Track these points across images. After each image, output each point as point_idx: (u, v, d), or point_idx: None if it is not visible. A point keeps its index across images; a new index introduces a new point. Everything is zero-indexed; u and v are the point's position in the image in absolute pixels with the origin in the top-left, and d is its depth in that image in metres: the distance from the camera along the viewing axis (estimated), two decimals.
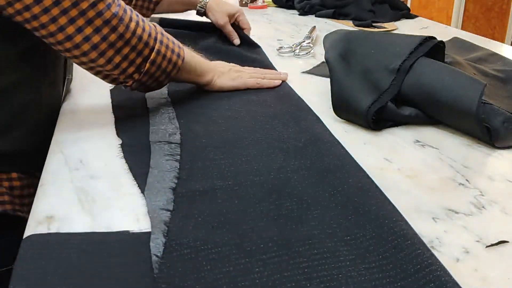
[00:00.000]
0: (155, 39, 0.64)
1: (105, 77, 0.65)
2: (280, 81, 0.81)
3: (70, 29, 0.57)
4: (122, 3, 0.62)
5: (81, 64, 0.62)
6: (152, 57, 0.63)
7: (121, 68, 0.62)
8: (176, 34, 1.04)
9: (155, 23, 0.67)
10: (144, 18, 0.65)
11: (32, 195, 0.63)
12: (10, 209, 0.66)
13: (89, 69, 0.63)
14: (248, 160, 0.56)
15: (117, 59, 0.61)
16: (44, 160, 0.58)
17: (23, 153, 0.68)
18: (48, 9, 0.55)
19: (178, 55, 0.67)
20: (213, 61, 0.80)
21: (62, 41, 0.58)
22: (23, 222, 0.55)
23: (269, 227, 0.44)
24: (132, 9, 0.64)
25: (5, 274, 0.47)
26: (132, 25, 0.61)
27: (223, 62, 0.82)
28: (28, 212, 0.57)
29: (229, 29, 1.06)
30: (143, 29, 0.63)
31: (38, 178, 0.55)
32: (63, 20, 0.56)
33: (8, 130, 0.66)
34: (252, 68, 0.84)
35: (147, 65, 0.63)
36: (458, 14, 2.79)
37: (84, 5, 0.56)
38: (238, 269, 0.39)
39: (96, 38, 0.58)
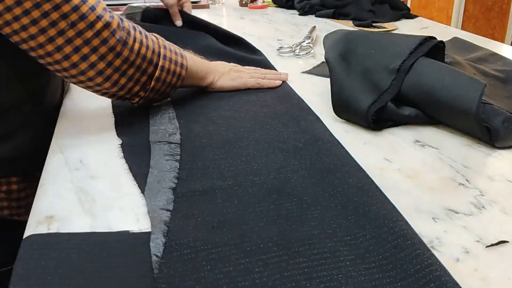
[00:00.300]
0: (159, 55, 0.64)
1: (111, 97, 0.65)
2: (281, 82, 0.81)
3: (75, 57, 0.57)
4: (126, 24, 0.61)
5: (87, 88, 0.62)
6: (156, 74, 0.64)
7: (126, 89, 0.63)
8: (176, 32, 1.04)
9: (156, 35, 0.67)
10: (147, 33, 0.65)
11: (30, 195, 0.67)
12: (7, 214, 0.68)
13: (95, 91, 0.63)
14: (248, 160, 0.56)
15: (123, 81, 0.62)
16: (44, 160, 0.58)
17: (23, 157, 0.68)
18: (53, 38, 0.55)
19: (182, 66, 0.68)
20: (213, 62, 0.79)
21: (68, 68, 0.58)
22: (20, 224, 0.56)
23: (269, 227, 0.44)
24: (136, 26, 0.63)
25: (5, 274, 0.47)
26: (136, 46, 0.61)
27: (224, 63, 0.82)
28: (26, 214, 0.61)
29: (175, 10, 1.06)
30: (147, 47, 0.63)
31: (37, 177, 0.55)
32: (68, 49, 0.56)
33: (10, 137, 0.67)
34: (252, 68, 0.84)
35: (153, 82, 0.64)
36: (458, 14, 2.79)
37: (89, 34, 0.57)
38: (238, 269, 0.39)
39: (101, 65, 0.59)
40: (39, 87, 0.71)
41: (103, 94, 0.64)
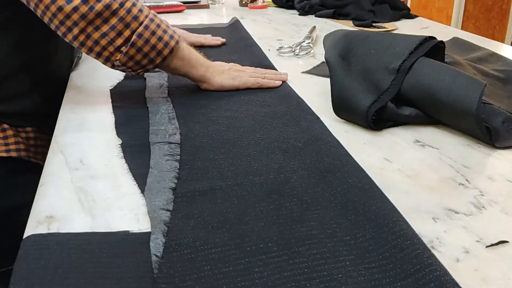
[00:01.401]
0: (146, 16, 0.67)
1: (97, 55, 0.67)
2: (280, 82, 0.81)
3: (61, 1, 0.62)
4: None
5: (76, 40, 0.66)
6: (139, 30, 0.66)
7: (108, 38, 0.65)
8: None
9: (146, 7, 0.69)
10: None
11: (45, 147, 0.79)
12: (25, 155, 0.78)
13: (83, 46, 0.66)
14: (248, 160, 0.56)
15: (105, 28, 0.64)
16: (53, 122, 0.67)
17: (38, 114, 0.80)
18: None
19: (171, 37, 0.69)
20: (213, 62, 0.80)
21: (56, 13, 0.63)
22: (35, 166, 0.79)
23: (269, 227, 0.44)
24: None
25: (5, 274, 0.47)
26: None
27: (223, 62, 0.82)
28: (42, 160, 0.78)
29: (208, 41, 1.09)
30: (133, 4, 0.66)
31: (49, 135, 0.65)
32: None
33: (30, 95, 0.79)
34: (252, 68, 0.84)
35: (134, 37, 0.65)
36: (458, 14, 2.79)
37: None
38: (238, 269, 0.39)
39: (83, 8, 0.63)
40: (47, 53, 0.81)
41: (89, 51, 0.67)
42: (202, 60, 0.76)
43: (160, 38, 0.68)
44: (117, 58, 0.67)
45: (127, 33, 0.65)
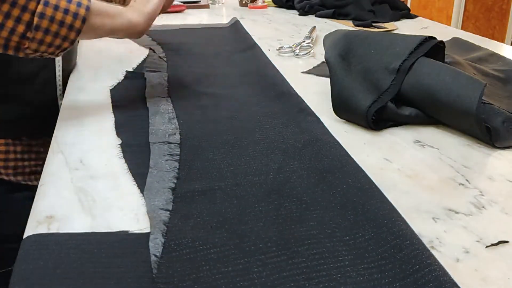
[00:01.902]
0: None
1: (3, 48, 0.60)
2: None
3: None
4: None
5: None
6: (39, 9, 0.58)
7: (7, 28, 0.58)
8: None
9: None
10: None
11: (18, 159, 0.76)
12: None
13: None
14: (247, 160, 0.56)
15: None
16: (34, 127, 0.66)
17: (12, 122, 0.76)
18: None
19: (79, 4, 0.61)
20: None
21: None
22: (5, 184, 0.76)
23: (268, 227, 0.44)
24: None
25: (5, 275, 0.47)
26: None
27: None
28: (13, 175, 0.75)
29: None
30: None
31: (25, 142, 0.62)
32: None
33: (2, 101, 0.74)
34: None
35: (36, 19, 0.58)
36: (458, 14, 2.79)
37: None
38: (237, 269, 0.39)
39: None
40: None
41: None
42: (118, 7, 0.68)
43: (66, 11, 0.59)
44: (26, 46, 0.59)
45: (26, 16, 0.57)
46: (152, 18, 0.70)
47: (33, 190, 0.51)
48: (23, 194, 0.77)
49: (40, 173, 0.55)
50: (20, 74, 0.76)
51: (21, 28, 0.58)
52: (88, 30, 0.62)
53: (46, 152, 0.59)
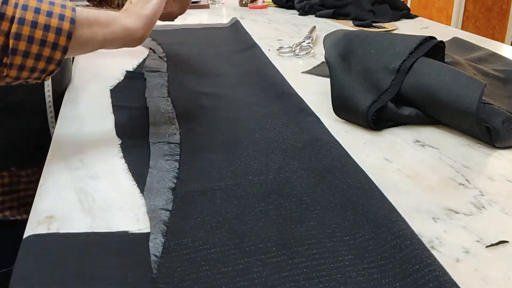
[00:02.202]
0: (15, 5, 0.48)
1: None
2: None
3: None
4: None
5: None
6: (14, 29, 0.47)
7: None
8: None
9: None
10: None
11: (5, 193, 0.68)
12: None
13: None
14: (247, 160, 0.56)
15: None
16: (23, 156, 0.60)
17: None
18: None
19: (61, 17, 0.50)
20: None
21: None
22: None
23: (268, 227, 0.44)
24: None
25: (4, 275, 0.47)
26: None
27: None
28: (0, 210, 0.65)
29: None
30: None
31: (13, 173, 0.56)
32: None
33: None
34: None
35: (11, 41, 0.48)
36: (458, 14, 2.79)
37: None
38: (237, 269, 0.39)
39: None
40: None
41: None
42: (110, 13, 0.58)
43: (46, 27, 0.49)
44: (4, 74, 0.50)
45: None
46: (152, 21, 0.59)
47: (22, 226, 0.45)
48: (11, 233, 0.64)
49: (30, 204, 0.49)
50: (4, 102, 0.68)
51: None
52: (77, 45, 0.52)
53: (36, 182, 0.52)
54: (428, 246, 0.41)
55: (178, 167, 0.54)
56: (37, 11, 0.49)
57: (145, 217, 0.46)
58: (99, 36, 0.54)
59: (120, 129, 0.64)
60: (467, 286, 0.38)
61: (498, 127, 0.61)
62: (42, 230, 0.44)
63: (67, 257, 0.40)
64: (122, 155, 0.58)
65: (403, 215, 0.45)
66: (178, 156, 0.57)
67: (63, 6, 0.51)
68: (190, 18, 1.43)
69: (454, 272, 0.38)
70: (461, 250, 0.42)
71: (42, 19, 0.49)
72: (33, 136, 0.73)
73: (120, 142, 0.61)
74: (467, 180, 0.54)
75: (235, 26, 1.25)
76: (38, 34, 0.49)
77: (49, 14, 0.49)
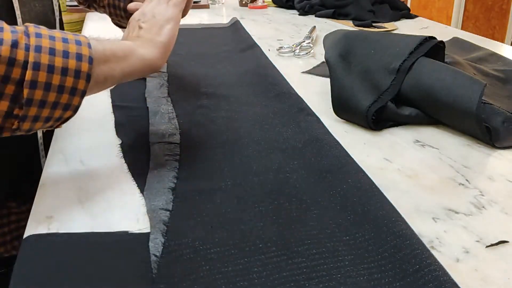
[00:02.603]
0: (26, 47, 0.41)
1: None
2: None
3: None
4: None
5: None
6: (29, 76, 0.41)
7: None
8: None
9: (28, 24, 0.44)
10: (5, 25, 0.42)
11: None
12: None
13: None
14: (247, 160, 0.56)
15: None
16: (13, 186, 0.56)
17: None
18: None
19: (79, 57, 0.44)
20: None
21: None
22: None
23: (268, 227, 0.44)
24: None
25: (4, 274, 0.47)
26: None
27: (129, 22, 0.59)
28: None
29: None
30: None
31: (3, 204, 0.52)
32: None
33: None
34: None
35: (26, 90, 0.41)
36: (458, 14, 2.79)
37: None
38: (237, 269, 0.39)
39: None
40: None
41: None
42: (123, 42, 0.53)
43: (64, 71, 0.43)
44: (15, 127, 0.43)
45: (9, 89, 0.41)
46: (169, 49, 0.55)
47: (12, 261, 0.41)
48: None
49: (20, 238, 0.44)
50: None
51: (4, 106, 0.41)
52: (95, 85, 0.47)
53: (28, 211, 0.47)
54: (428, 246, 0.41)
55: (178, 167, 0.54)
56: (52, 52, 0.43)
57: (145, 217, 0.46)
58: (117, 71, 0.49)
59: (120, 129, 0.64)
60: (467, 286, 0.38)
61: (498, 127, 0.61)
62: (42, 230, 0.44)
63: (67, 257, 0.40)
64: (122, 155, 0.58)
65: (403, 215, 0.45)
66: (178, 156, 0.57)
67: (78, 43, 0.45)
68: (190, 18, 1.43)
69: (454, 272, 0.38)
70: (461, 250, 0.42)
71: (58, 61, 0.43)
72: (23, 165, 0.67)
73: (120, 142, 0.61)
74: (467, 180, 0.54)
75: (235, 26, 1.25)
76: (56, 79, 0.43)
77: (65, 54, 0.43)
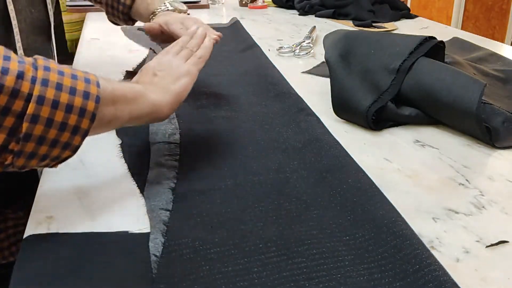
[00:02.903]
0: (33, 80, 0.40)
1: None
2: (213, 40, 0.62)
3: None
4: None
5: None
6: (31, 110, 0.39)
7: None
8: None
9: (37, 56, 0.43)
10: (13, 55, 0.41)
11: None
12: None
13: None
14: (247, 160, 0.56)
15: None
16: (9, 194, 0.55)
17: None
18: None
19: (86, 95, 0.42)
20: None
21: None
22: None
23: (268, 227, 0.44)
24: None
25: (4, 274, 0.46)
26: None
27: (142, 69, 0.57)
28: None
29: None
30: (3, 70, 0.38)
31: None
32: None
33: None
34: (173, 45, 0.61)
35: (25, 124, 0.39)
36: (458, 14, 2.79)
37: None
38: (237, 269, 0.39)
39: None
40: None
41: None
42: (134, 85, 0.52)
43: (69, 108, 0.41)
44: (8, 162, 0.41)
45: (8, 121, 0.39)
46: (180, 99, 0.54)
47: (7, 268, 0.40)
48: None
49: (18, 243, 0.43)
50: None
51: (0, 138, 0.39)
52: (98, 125, 0.45)
53: (25, 219, 0.46)
54: (428, 246, 0.41)
55: (178, 167, 0.54)
56: (59, 87, 0.41)
57: (145, 217, 0.46)
58: (125, 114, 0.47)
59: (120, 129, 0.64)
60: (467, 286, 0.38)
61: (498, 127, 0.61)
62: (42, 230, 0.44)
63: (67, 257, 0.40)
64: (122, 155, 0.58)
65: (403, 215, 0.45)
66: (178, 156, 0.57)
67: (87, 81, 0.43)
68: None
69: (454, 272, 0.38)
70: (461, 250, 0.42)
71: (64, 97, 0.41)
72: (19, 175, 0.65)
73: (120, 142, 0.61)
74: (467, 180, 0.54)
75: (235, 26, 1.25)
76: (59, 116, 0.41)
77: (73, 91, 0.42)
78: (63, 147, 0.43)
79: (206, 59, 0.60)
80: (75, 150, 0.44)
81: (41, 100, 0.39)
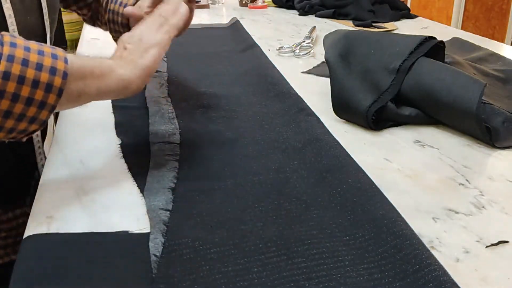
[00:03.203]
0: None
1: None
2: (185, 10, 0.58)
3: None
4: None
5: None
6: None
7: None
8: None
9: (4, 33, 0.43)
10: None
11: None
12: None
13: None
14: (247, 160, 0.56)
15: None
16: (7, 196, 0.55)
17: None
18: None
19: (53, 71, 0.43)
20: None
21: None
22: None
23: (268, 227, 0.44)
24: None
25: (4, 274, 0.46)
26: None
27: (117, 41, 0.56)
28: None
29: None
30: None
31: None
32: None
33: None
34: (150, 15, 0.59)
35: None
36: (458, 14, 2.79)
37: None
38: (237, 269, 0.39)
39: None
40: None
41: None
42: (104, 61, 0.51)
43: (35, 83, 0.42)
44: None
45: None
46: (149, 73, 0.53)
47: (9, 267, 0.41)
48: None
49: (14, 245, 0.43)
50: None
51: None
52: (66, 101, 0.45)
53: (23, 220, 0.47)
54: (428, 246, 0.41)
55: (178, 167, 0.54)
56: (24, 63, 0.41)
57: (145, 217, 0.46)
58: (92, 89, 0.48)
59: (120, 129, 0.64)
60: (467, 286, 0.38)
61: (498, 127, 0.61)
62: (42, 230, 0.44)
63: (67, 257, 0.40)
64: (122, 155, 0.58)
65: (403, 215, 0.45)
66: (178, 156, 0.57)
67: (54, 57, 0.44)
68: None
69: (454, 272, 0.38)
70: (461, 250, 0.42)
71: (30, 73, 0.42)
72: (17, 177, 0.66)
73: (120, 142, 0.61)
74: (467, 180, 0.54)
75: (235, 26, 1.25)
76: (25, 91, 0.42)
77: (39, 67, 0.42)
78: (30, 121, 0.44)
79: (179, 26, 0.57)
80: (42, 124, 0.45)
81: (6, 75, 0.40)
